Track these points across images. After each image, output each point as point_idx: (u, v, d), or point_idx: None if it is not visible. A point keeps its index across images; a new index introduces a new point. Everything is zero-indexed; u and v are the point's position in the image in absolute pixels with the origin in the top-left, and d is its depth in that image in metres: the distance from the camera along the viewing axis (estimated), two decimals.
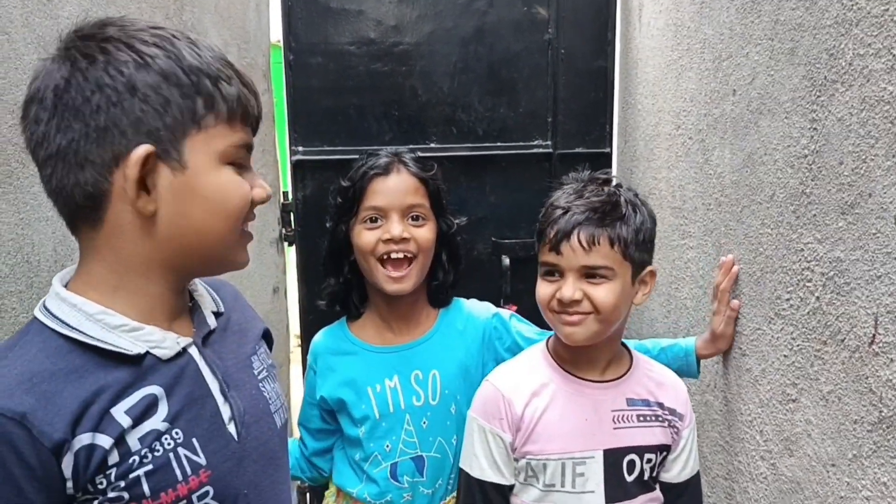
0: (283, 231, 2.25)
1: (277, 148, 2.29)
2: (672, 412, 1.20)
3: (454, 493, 1.34)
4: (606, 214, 1.11)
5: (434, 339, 1.38)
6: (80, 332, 0.74)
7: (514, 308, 1.55)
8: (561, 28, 2.18)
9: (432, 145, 2.16)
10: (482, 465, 1.18)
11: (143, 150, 0.72)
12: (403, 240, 1.28)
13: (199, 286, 0.92)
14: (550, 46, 2.19)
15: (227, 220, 0.79)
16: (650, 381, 1.22)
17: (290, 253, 2.32)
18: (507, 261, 2.17)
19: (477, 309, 1.45)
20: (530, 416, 1.16)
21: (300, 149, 2.17)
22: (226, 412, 0.83)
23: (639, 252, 1.13)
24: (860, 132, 0.89)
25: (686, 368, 1.36)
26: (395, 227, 1.28)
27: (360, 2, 2.14)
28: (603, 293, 1.10)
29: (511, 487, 1.18)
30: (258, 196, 0.82)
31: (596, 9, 2.20)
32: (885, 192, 0.84)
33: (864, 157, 0.88)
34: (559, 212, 1.12)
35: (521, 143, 2.20)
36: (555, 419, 1.16)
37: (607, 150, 2.26)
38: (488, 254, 2.22)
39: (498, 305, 1.49)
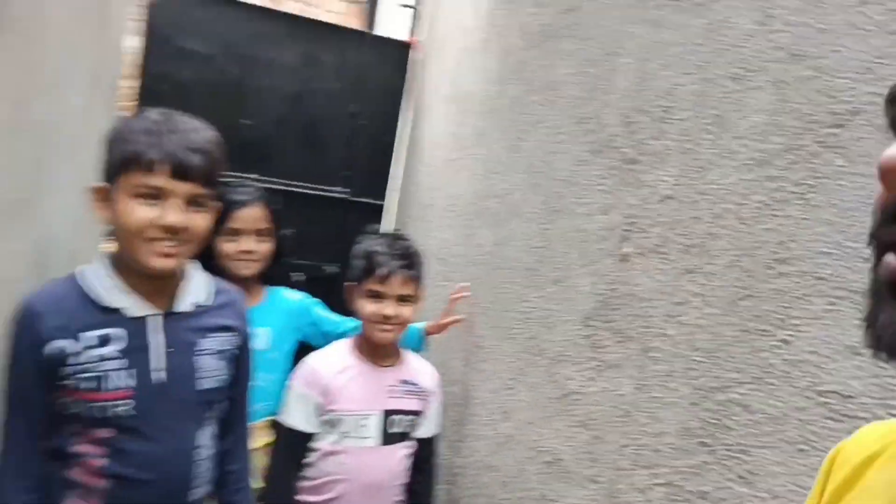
0: None
1: None
2: (426, 390, 1.88)
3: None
4: (413, 261, 1.78)
5: (265, 307, 1.94)
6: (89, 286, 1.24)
7: None
8: (362, 104, 2.84)
9: (254, 176, 2.64)
10: (296, 417, 1.73)
11: None
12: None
13: (194, 284, 1.34)
14: (353, 117, 2.84)
15: None
16: (414, 368, 1.88)
17: None
18: (300, 277, 2.73)
19: (292, 294, 2.06)
20: (336, 385, 1.74)
21: None
22: (162, 363, 1.28)
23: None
24: (567, 245, 1.68)
25: (418, 343, 2.06)
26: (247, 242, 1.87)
27: (212, 47, 2.57)
28: (409, 313, 1.77)
29: (313, 435, 1.75)
30: None
31: (392, 95, 2.90)
32: (577, 279, 1.63)
33: (566, 258, 1.68)
34: (383, 257, 1.76)
35: (324, 187, 2.79)
36: (352, 389, 1.76)
37: (383, 202, 2.96)
38: (285, 270, 2.75)
39: None
